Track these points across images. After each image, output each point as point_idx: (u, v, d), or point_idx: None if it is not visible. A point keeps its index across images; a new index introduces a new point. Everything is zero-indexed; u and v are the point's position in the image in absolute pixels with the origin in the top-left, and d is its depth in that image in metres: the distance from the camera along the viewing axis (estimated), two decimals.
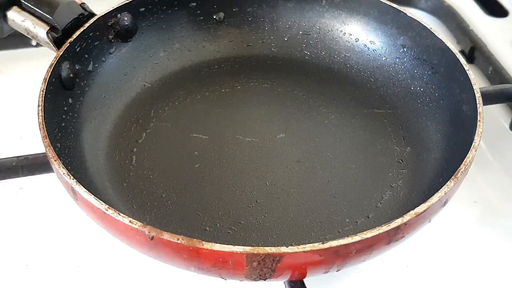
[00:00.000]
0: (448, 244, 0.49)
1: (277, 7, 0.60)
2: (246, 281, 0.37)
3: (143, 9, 0.55)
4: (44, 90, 0.45)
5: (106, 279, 0.46)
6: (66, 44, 0.49)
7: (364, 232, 0.36)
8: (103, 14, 0.52)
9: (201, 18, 0.59)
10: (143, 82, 0.56)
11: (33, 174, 0.47)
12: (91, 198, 0.38)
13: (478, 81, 0.51)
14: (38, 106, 0.44)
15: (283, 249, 0.35)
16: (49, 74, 0.46)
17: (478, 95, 0.46)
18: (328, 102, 0.55)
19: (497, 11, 0.74)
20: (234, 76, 0.57)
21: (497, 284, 0.46)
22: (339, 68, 0.58)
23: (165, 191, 0.47)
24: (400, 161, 0.49)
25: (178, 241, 0.35)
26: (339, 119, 0.53)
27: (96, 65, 0.53)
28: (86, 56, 0.51)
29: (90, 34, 0.51)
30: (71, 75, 0.49)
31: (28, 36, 0.51)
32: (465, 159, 0.41)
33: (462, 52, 0.67)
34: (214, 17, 0.59)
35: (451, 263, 0.47)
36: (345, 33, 0.58)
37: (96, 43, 0.52)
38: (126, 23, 0.54)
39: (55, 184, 0.43)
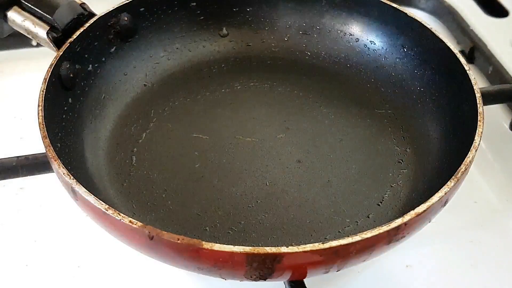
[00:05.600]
0: (448, 244, 0.49)
1: (277, 7, 0.60)
2: (246, 281, 0.37)
3: (143, 9, 0.55)
4: (44, 90, 0.45)
5: (106, 279, 0.46)
6: (66, 44, 0.49)
7: (364, 232, 0.36)
8: (103, 14, 0.52)
9: (201, 18, 0.59)
10: (143, 82, 0.56)
11: (33, 174, 0.47)
12: (91, 198, 0.38)
13: (478, 81, 0.51)
14: (38, 106, 0.44)
15: (283, 249, 0.35)
16: (49, 74, 0.46)
17: (478, 95, 0.46)
18: (328, 102, 0.55)
19: (497, 11, 0.74)
20: (234, 76, 0.57)
21: (497, 284, 0.46)
22: (339, 68, 0.58)
23: (165, 191, 0.47)
24: (400, 161, 0.49)
25: (178, 241, 0.35)
26: (339, 119, 0.53)
27: (96, 65, 0.53)
28: (86, 56, 0.51)
29: (90, 34, 0.51)
30: (71, 75, 0.49)
31: (28, 36, 0.51)
32: (465, 159, 0.41)
33: (462, 52, 0.67)
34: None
35: (451, 263, 0.47)
36: (345, 33, 0.58)
37: (96, 43, 0.52)
38: (126, 23, 0.54)
39: (55, 184, 0.43)
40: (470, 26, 0.69)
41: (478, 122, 0.44)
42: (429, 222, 0.40)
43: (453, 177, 0.40)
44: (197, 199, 0.46)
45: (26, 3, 0.50)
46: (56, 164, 0.40)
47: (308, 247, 0.35)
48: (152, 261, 0.39)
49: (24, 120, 0.58)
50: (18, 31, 0.52)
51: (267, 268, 0.35)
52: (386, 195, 0.47)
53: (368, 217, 0.45)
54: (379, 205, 0.46)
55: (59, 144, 0.45)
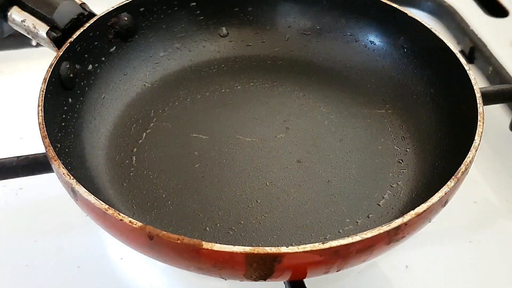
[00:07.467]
0: (448, 244, 0.49)
1: (277, 7, 0.60)
2: (246, 281, 0.37)
3: (143, 9, 0.55)
4: (44, 90, 0.45)
5: (106, 279, 0.46)
6: (66, 44, 0.49)
7: (365, 232, 0.36)
8: (103, 14, 0.52)
9: (201, 18, 0.59)
10: (143, 82, 0.56)
11: (33, 174, 0.47)
12: (91, 198, 0.38)
13: (478, 81, 0.51)
14: (38, 106, 0.44)
15: (283, 249, 0.35)
16: (49, 74, 0.46)
17: (478, 95, 0.46)
18: (328, 102, 0.55)
19: (497, 11, 0.74)
20: (234, 76, 0.57)
21: (497, 284, 0.46)
22: (339, 68, 0.58)
23: (165, 191, 0.47)
24: (400, 161, 0.49)
25: (178, 241, 0.35)
26: (339, 119, 0.53)
27: (96, 65, 0.53)
28: (86, 56, 0.51)
29: (90, 34, 0.51)
30: (71, 75, 0.49)
31: (28, 36, 0.51)
32: (465, 159, 0.41)
33: (462, 52, 0.67)
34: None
35: (451, 263, 0.47)
36: (345, 33, 0.58)
37: (96, 43, 0.52)
38: (126, 23, 0.54)
39: (55, 184, 0.43)
40: (470, 26, 0.69)
41: (478, 122, 0.44)
42: (429, 222, 0.40)
43: (453, 177, 0.40)
44: (197, 199, 0.46)
45: (26, 3, 0.50)
46: (56, 164, 0.40)
47: (308, 247, 0.35)
48: (152, 261, 0.39)
49: (24, 120, 0.58)
50: (18, 31, 0.52)
51: (267, 268, 0.35)
52: (386, 195, 0.47)
53: (368, 217, 0.45)
54: (379, 205, 0.46)
55: (59, 144, 0.45)
